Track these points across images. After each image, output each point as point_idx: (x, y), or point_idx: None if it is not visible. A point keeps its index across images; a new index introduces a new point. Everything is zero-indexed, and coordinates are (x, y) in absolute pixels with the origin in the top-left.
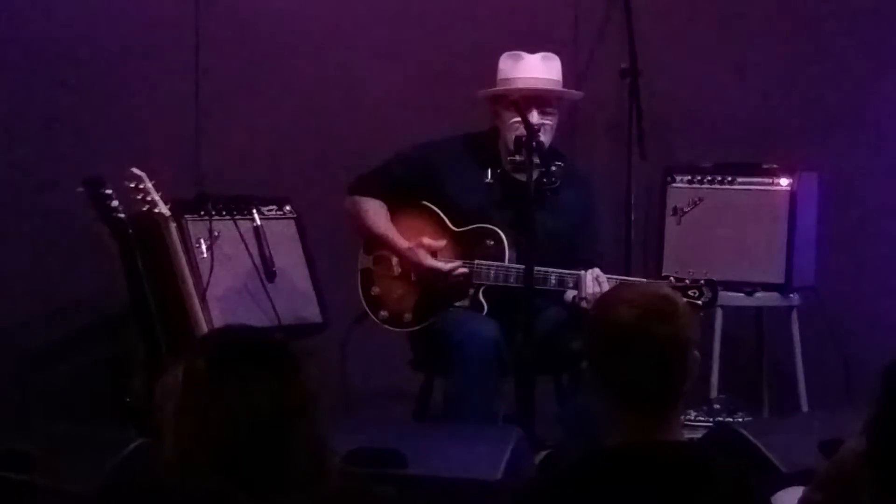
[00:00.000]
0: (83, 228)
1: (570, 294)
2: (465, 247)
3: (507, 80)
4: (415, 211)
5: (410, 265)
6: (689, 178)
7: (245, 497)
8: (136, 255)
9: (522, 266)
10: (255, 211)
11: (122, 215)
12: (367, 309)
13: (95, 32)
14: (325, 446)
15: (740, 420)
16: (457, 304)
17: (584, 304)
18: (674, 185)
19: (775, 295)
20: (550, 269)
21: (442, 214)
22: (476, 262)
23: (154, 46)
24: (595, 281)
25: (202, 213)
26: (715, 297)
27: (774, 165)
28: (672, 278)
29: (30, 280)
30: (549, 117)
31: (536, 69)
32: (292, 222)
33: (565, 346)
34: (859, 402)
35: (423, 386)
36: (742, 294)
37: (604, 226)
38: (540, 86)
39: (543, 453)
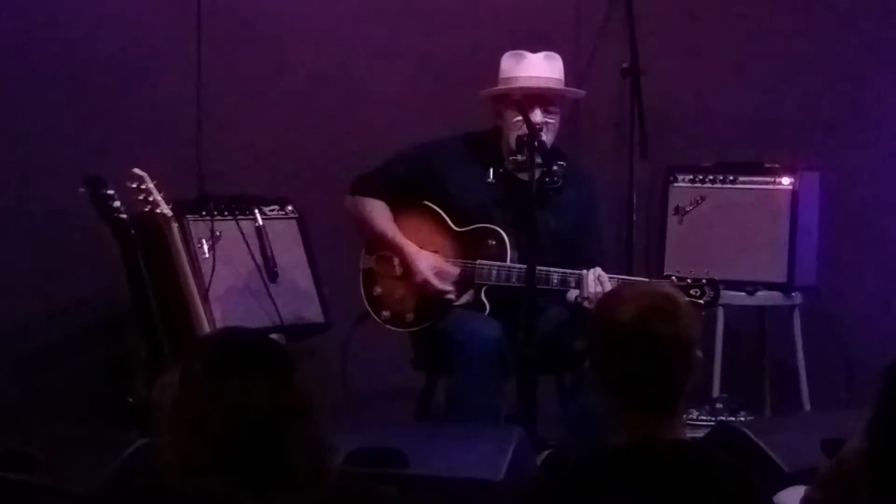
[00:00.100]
0: (84, 228)
1: (572, 294)
2: (467, 246)
3: (509, 79)
4: (416, 211)
5: (410, 271)
6: (691, 177)
7: (245, 497)
8: (138, 256)
9: (524, 266)
10: (256, 211)
11: (124, 215)
12: (368, 309)
13: (95, 32)
14: (324, 447)
15: (742, 419)
16: (458, 303)
17: (586, 303)
18: (675, 184)
19: (777, 294)
20: (552, 269)
21: (443, 214)
22: (478, 261)
23: (154, 46)
24: (597, 280)
25: (204, 213)
26: (717, 296)
27: (776, 165)
28: (674, 277)
29: (30, 280)
30: (552, 116)
31: (539, 68)
32: (294, 222)
33: (567, 345)
34: (861, 402)
35: (425, 386)
36: (744, 293)
37: (605, 225)
38: (542, 84)
39: (545, 453)
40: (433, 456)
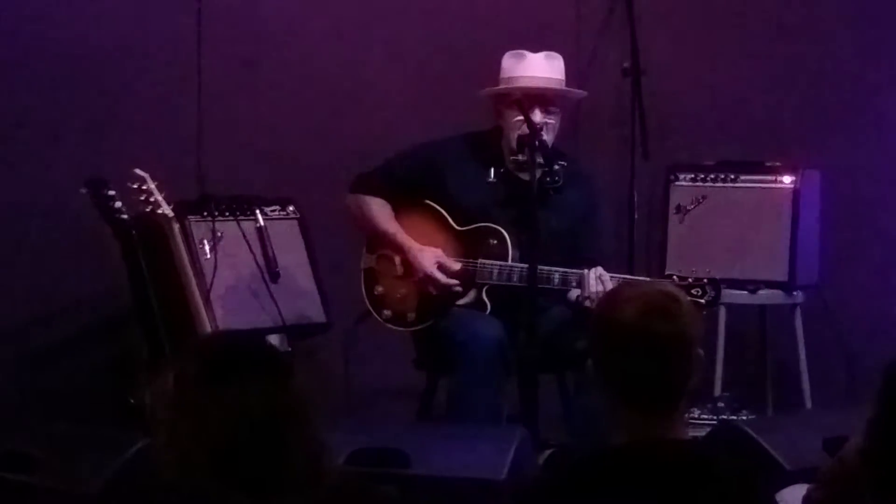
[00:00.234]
0: (84, 229)
1: (574, 293)
2: (469, 246)
3: (509, 78)
4: (417, 210)
5: (412, 267)
6: (692, 176)
7: (243, 498)
8: (140, 256)
9: (526, 265)
10: (258, 211)
11: (125, 216)
12: (370, 308)
13: (96, 32)
14: (322, 448)
15: (744, 418)
16: (460, 303)
17: (587, 303)
18: (677, 183)
19: (779, 293)
20: (554, 268)
21: (445, 213)
22: (479, 261)
23: (154, 46)
24: (598, 280)
25: (205, 213)
26: (718, 295)
27: (777, 163)
28: (675, 277)
29: (31, 280)
30: (552, 116)
31: (539, 68)
32: (295, 222)
33: (569, 345)
34: (862, 400)
35: (427, 385)
36: (745, 292)
37: (607, 224)
38: (543, 85)
39: (547, 452)
40: (435, 456)
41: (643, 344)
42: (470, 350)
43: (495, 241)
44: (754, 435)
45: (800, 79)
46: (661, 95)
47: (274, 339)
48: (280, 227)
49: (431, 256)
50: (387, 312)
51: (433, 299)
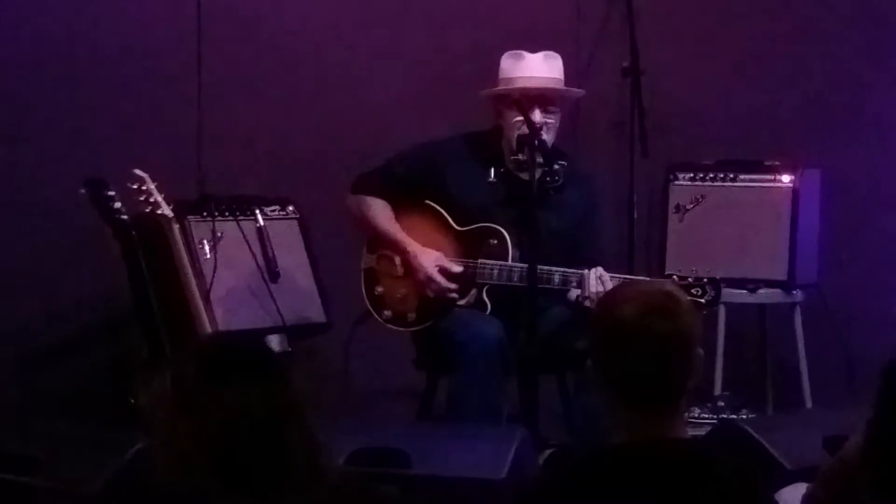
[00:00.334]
0: (84, 229)
1: (574, 293)
2: (469, 246)
3: (508, 79)
4: (418, 210)
5: (412, 267)
6: (692, 175)
7: (243, 499)
8: (139, 257)
9: (526, 265)
10: (258, 211)
11: (125, 217)
12: (370, 308)
13: (95, 32)
14: (319, 448)
15: (744, 417)
16: (460, 303)
17: (587, 302)
18: (676, 182)
19: (778, 292)
20: (554, 268)
21: (445, 213)
22: (479, 261)
23: (154, 46)
24: (598, 279)
25: (205, 213)
26: (718, 294)
27: (776, 163)
28: (675, 276)
29: (30, 280)
30: (552, 116)
31: (538, 68)
32: (295, 223)
33: (569, 345)
34: (862, 399)
35: (427, 385)
36: (745, 291)
37: (607, 224)
38: (541, 85)
39: (547, 452)
40: (435, 456)
41: (643, 343)
42: (470, 350)
43: (495, 241)
44: (754, 434)
45: (799, 79)
46: (660, 95)
47: (274, 340)
48: (280, 227)
49: (432, 258)
50: (387, 312)
51: (433, 300)
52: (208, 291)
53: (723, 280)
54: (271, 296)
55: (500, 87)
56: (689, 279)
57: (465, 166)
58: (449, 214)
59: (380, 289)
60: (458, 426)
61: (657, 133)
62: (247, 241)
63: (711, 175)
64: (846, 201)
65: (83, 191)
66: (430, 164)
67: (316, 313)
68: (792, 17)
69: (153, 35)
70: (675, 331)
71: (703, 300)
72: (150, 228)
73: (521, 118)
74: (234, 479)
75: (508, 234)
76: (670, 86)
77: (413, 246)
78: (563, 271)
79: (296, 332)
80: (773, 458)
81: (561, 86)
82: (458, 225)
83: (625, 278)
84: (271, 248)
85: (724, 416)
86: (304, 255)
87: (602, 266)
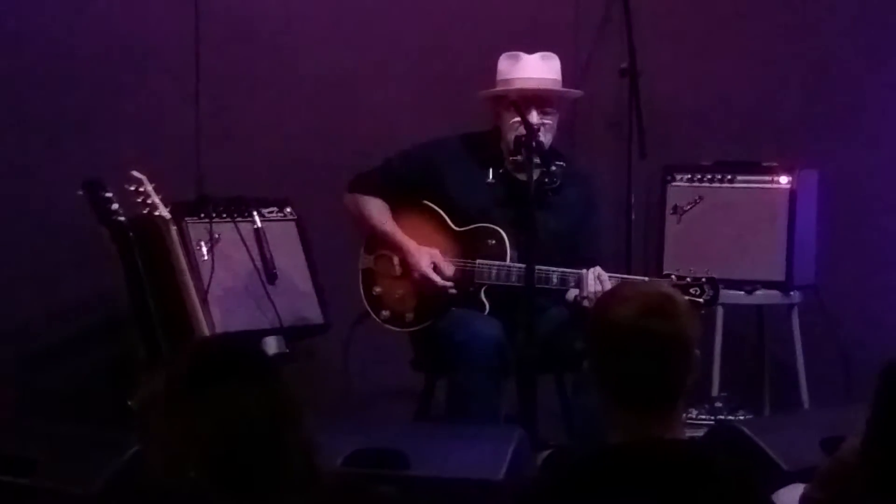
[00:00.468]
0: (83, 230)
1: (572, 293)
2: (467, 246)
3: (506, 80)
4: (416, 210)
5: (408, 266)
6: (689, 176)
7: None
8: (137, 258)
9: (524, 265)
10: (255, 213)
11: (123, 218)
12: (368, 309)
13: (95, 33)
14: (314, 450)
15: (742, 418)
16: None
17: (585, 303)
18: (674, 183)
19: (776, 293)
20: (552, 269)
21: (443, 214)
22: (478, 261)
23: (154, 46)
24: (596, 280)
25: (202, 215)
26: (716, 295)
27: (774, 163)
28: (673, 277)
29: (30, 280)
30: (549, 117)
31: (535, 69)
32: (293, 224)
33: (567, 345)
34: (860, 400)
35: (425, 386)
36: (743, 292)
37: (605, 225)
38: (539, 86)
39: (545, 453)
40: (433, 456)
41: (640, 344)
42: (468, 350)
43: (494, 242)
44: (752, 435)
45: (798, 78)
46: (658, 96)
47: (271, 341)
48: (277, 228)
49: (427, 256)
50: (385, 313)
51: (431, 300)
52: (206, 293)
53: (720, 281)
54: (269, 297)
55: (497, 88)
56: (688, 279)
57: (464, 167)
58: (447, 215)
59: (378, 289)
60: (456, 427)
61: (655, 133)
62: (244, 243)
63: (709, 176)
64: (844, 202)
65: (81, 192)
66: (429, 164)
67: (313, 314)
68: (791, 17)
69: (152, 35)
70: (673, 332)
71: (701, 300)
72: (148, 230)
73: (518, 119)
74: (231, 480)
75: (507, 235)
76: (668, 87)
77: (409, 244)
78: (561, 271)
79: (293, 333)
80: (771, 458)
81: (558, 86)
82: (456, 225)
83: (623, 278)
84: (269, 250)
85: (722, 416)
86: (301, 256)
87: (600, 266)
